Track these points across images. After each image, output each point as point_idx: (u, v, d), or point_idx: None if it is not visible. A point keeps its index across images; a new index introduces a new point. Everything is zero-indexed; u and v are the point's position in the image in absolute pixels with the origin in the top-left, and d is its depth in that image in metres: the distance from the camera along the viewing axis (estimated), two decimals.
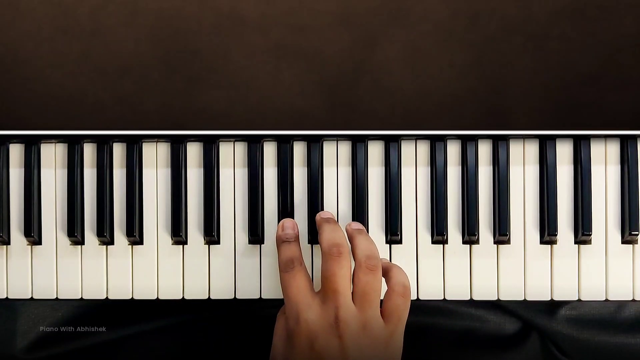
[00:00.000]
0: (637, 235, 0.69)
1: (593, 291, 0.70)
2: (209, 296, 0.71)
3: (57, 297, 0.71)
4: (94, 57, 0.77)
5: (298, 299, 0.62)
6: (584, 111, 0.77)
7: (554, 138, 0.70)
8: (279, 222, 0.70)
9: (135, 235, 0.70)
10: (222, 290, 0.71)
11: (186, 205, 0.71)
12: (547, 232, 0.69)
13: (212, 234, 0.70)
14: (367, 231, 0.70)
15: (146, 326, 0.75)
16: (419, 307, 0.75)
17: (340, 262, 0.62)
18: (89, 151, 0.71)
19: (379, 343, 0.62)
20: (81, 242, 0.71)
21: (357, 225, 0.68)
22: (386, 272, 0.65)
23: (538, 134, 0.71)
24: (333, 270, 0.62)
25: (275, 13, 0.77)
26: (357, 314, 0.62)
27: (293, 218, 0.70)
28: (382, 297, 0.64)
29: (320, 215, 0.68)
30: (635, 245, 0.70)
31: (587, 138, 0.70)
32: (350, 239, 0.66)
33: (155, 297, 0.71)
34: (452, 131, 0.71)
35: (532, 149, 0.71)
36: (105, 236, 0.70)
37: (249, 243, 0.71)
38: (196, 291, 0.71)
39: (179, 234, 0.70)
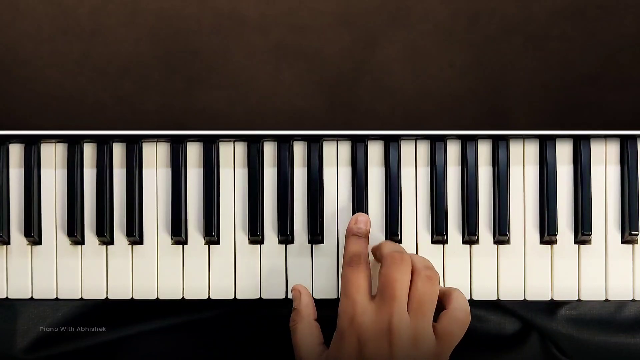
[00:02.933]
0: (637, 235, 0.69)
1: (593, 291, 0.70)
2: (209, 296, 0.71)
3: (57, 297, 0.71)
4: (94, 57, 0.77)
5: (356, 299, 0.61)
6: (584, 111, 0.77)
7: (554, 138, 0.70)
8: (278, 222, 0.70)
9: (135, 235, 0.70)
10: (222, 290, 0.71)
11: (186, 205, 0.71)
12: (547, 232, 0.69)
13: (212, 234, 0.70)
14: None
15: (146, 326, 0.75)
16: None
17: (402, 268, 0.61)
18: (89, 151, 0.71)
19: (426, 358, 0.61)
20: (81, 242, 0.71)
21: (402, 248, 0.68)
22: (448, 294, 0.64)
23: (538, 134, 0.71)
24: (394, 276, 0.61)
25: (275, 13, 0.77)
26: (409, 323, 0.61)
27: (293, 218, 0.70)
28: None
29: (375, 245, 0.68)
30: (635, 245, 0.70)
31: (587, 138, 0.70)
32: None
33: (155, 297, 0.71)
34: (452, 131, 0.71)
35: (532, 149, 0.71)
36: (105, 236, 0.70)
37: (249, 243, 0.71)
38: (196, 291, 0.71)
39: (179, 234, 0.70)
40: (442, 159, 0.70)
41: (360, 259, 0.63)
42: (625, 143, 0.70)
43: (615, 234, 0.70)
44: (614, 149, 0.71)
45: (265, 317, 0.75)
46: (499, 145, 0.70)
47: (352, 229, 0.67)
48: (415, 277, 0.62)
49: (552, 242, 0.70)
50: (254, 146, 0.71)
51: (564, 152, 0.71)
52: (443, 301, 0.64)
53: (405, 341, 0.60)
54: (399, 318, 0.60)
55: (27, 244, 0.71)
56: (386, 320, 0.60)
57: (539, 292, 0.70)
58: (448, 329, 0.62)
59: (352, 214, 0.70)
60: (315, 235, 0.70)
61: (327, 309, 0.74)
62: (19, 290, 0.71)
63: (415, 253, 0.67)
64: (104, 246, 0.71)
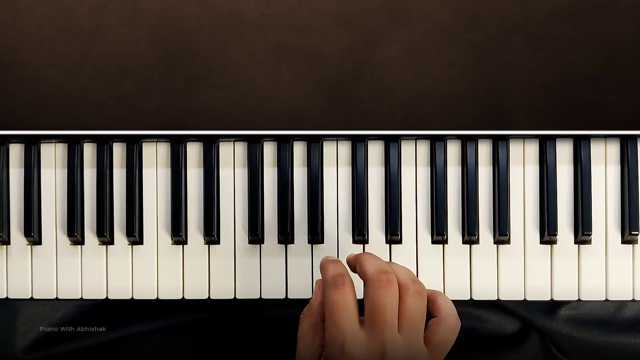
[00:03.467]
0: (637, 235, 0.69)
1: (593, 291, 0.70)
2: (209, 296, 0.71)
3: (57, 297, 0.71)
4: (94, 57, 0.77)
5: (344, 327, 0.57)
6: (584, 111, 0.77)
7: (554, 138, 0.70)
8: (279, 222, 0.70)
9: (135, 235, 0.70)
10: (222, 290, 0.71)
11: (186, 205, 0.71)
12: (547, 232, 0.69)
13: (212, 234, 0.70)
14: (367, 231, 0.70)
15: (146, 326, 0.75)
16: None
17: (390, 292, 0.58)
18: (89, 151, 0.71)
19: None
20: (81, 242, 0.71)
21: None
22: (433, 300, 0.62)
23: (538, 134, 0.71)
24: (384, 301, 0.58)
25: (275, 13, 0.77)
26: (403, 344, 0.58)
27: (293, 218, 0.70)
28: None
29: (351, 256, 0.64)
30: (635, 245, 0.70)
31: (587, 138, 0.70)
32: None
33: (155, 297, 0.71)
34: (452, 131, 0.71)
35: (532, 149, 0.71)
36: (105, 236, 0.70)
37: (249, 243, 0.71)
38: (196, 291, 0.71)
39: (179, 234, 0.70)
40: (442, 159, 0.70)
41: (344, 279, 0.59)
42: (625, 143, 0.70)
43: (615, 234, 0.70)
44: (614, 149, 0.71)
45: (265, 317, 0.75)
46: (499, 145, 0.70)
47: (326, 259, 0.63)
48: (404, 295, 0.59)
49: (552, 242, 0.70)
50: (254, 146, 0.71)
51: (564, 152, 0.71)
52: (430, 308, 0.62)
53: None
54: (392, 344, 0.57)
55: (27, 244, 0.71)
56: (379, 348, 0.57)
57: (539, 292, 0.70)
58: (440, 338, 0.60)
59: (352, 214, 0.70)
60: (315, 235, 0.70)
61: None
62: (19, 290, 0.71)
63: (393, 262, 0.64)
64: (104, 246, 0.71)
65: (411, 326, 0.59)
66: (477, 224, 0.70)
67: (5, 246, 0.71)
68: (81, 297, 0.71)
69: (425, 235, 0.71)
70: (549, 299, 0.70)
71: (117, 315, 0.75)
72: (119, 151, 0.71)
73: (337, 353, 0.57)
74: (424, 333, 0.60)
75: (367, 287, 0.59)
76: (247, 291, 0.71)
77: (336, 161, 0.71)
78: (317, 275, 0.70)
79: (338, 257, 0.70)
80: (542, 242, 0.71)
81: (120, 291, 0.71)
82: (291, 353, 0.71)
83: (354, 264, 0.63)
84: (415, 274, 0.70)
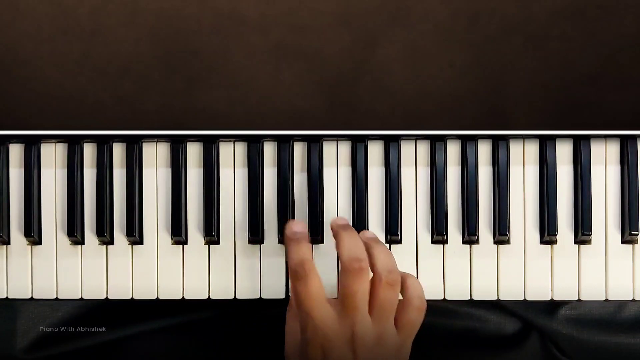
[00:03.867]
0: (637, 235, 0.69)
1: (593, 291, 0.70)
2: (209, 296, 0.71)
3: (57, 297, 0.71)
4: (94, 57, 0.77)
5: (313, 313, 0.60)
6: (584, 111, 0.77)
7: (554, 138, 0.70)
8: (279, 222, 0.70)
9: (135, 235, 0.70)
10: (222, 290, 0.71)
11: (186, 205, 0.71)
12: (547, 232, 0.69)
13: (212, 234, 0.70)
14: None
15: (146, 326, 0.75)
16: None
17: (361, 278, 0.60)
18: (89, 151, 0.71)
19: (390, 353, 0.61)
20: (81, 242, 0.71)
21: (372, 234, 0.65)
22: (403, 281, 0.63)
23: (538, 134, 0.71)
24: (354, 288, 0.59)
25: (275, 13, 0.77)
26: (372, 327, 0.60)
27: (293, 218, 0.70)
28: None
29: (336, 222, 0.65)
30: (635, 245, 0.70)
31: (587, 138, 0.70)
32: (367, 249, 0.62)
33: (155, 297, 0.71)
34: (452, 131, 0.71)
35: (532, 149, 0.71)
36: (105, 236, 0.70)
37: (249, 243, 0.71)
38: (196, 291, 0.71)
39: (179, 234, 0.70)
40: (442, 159, 0.70)
41: (305, 268, 0.60)
42: (625, 143, 0.70)
43: (615, 234, 0.70)
44: (614, 149, 0.71)
45: (265, 317, 0.75)
46: (499, 145, 0.70)
47: (289, 236, 0.62)
48: (377, 284, 0.60)
49: (552, 242, 0.70)
50: (254, 146, 0.71)
51: (564, 152, 0.71)
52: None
53: (369, 345, 0.60)
54: (361, 326, 0.60)
55: (27, 244, 0.71)
56: (349, 329, 0.60)
57: (539, 292, 0.70)
58: (407, 318, 0.62)
59: (352, 214, 0.70)
60: (315, 235, 0.70)
61: None
62: (19, 290, 0.71)
63: (377, 242, 0.64)
64: (104, 246, 0.71)
65: (382, 312, 0.61)
66: (477, 224, 0.70)
67: (5, 246, 0.71)
68: (81, 297, 0.71)
69: (425, 235, 0.71)
70: (549, 299, 0.70)
71: (117, 315, 0.75)
72: (119, 151, 0.71)
73: (311, 334, 0.60)
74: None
75: (341, 271, 0.61)
76: (247, 291, 0.71)
77: (336, 161, 0.71)
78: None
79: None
80: (542, 242, 0.71)
81: (120, 291, 0.71)
82: None
83: (334, 235, 0.64)
84: (415, 274, 0.70)
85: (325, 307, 0.60)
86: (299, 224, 0.63)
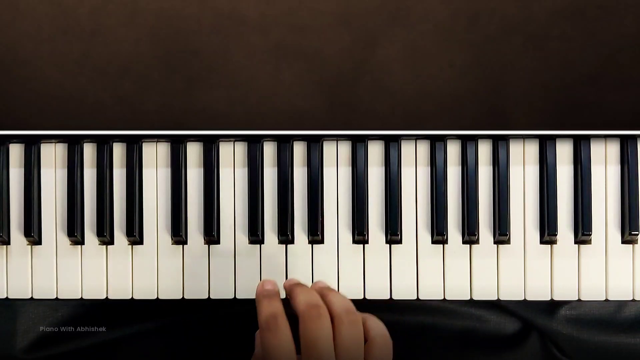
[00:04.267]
0: (637, 235, 0.69)
1: (593, 291, 0.70)
2: (209, 296, 0.71)
3: (57, 297, 0.71)
4: (94, 57, 0.77)
5: None
6: (584, 111, 0.77)
7: (554, 138, 0.70)
8: (278, 222, 0.70)
9: (135, 235, 0.70)
10: (222, 290, 0.71)
11: (186, 205, 0.71)
12: (547, 232, 0.69)
13: (212, 234, 0.70)
14: (367, 231, 0.70)
15: (146, 326, 0.75)
16: (419, 307, 0.75)
17: (321, 324, 0.57)
18: (89, 151, 0.71)
19: None
20: (81, 242, 0.71)
21: (323, 283, 0.64)
22: (363, 323, 0.61)
23: (538, 134, 0.71)
24: (315, 335, 0.57)
25: (275, 13, 0.77)
26: None
27: (293, 218, 0.70)
28: None
29: (288, 282, 0.64)
30: (635, 245, 0.70)
31: (587, 138, 0.70)
32: (323, 297, 0.61)
33: (155, 297, 0.71)
34: (452, 131, 0.71)
35: (532, 149, 0.71)
36: (105, 236, 0.70)
37: (249, 243, 0.71)
38: (196, 291, 0.71)
39: (179, 234, 0.70)
40: (442, 159, 0.70)
41: (277, 320, 0.58)
42: (625, 143, 0.70)
43: (615, 234, 0.70)
44: (614, 149, 0.71)
45: None
46: (499, 145, 0.70)
47: (261, 292, 0.61)
48: (338, 325, 0.58)
49: (552, 242, 0.70)
50: (254, 146, 0.71)
51: (564, 152, 0.71)
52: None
53: None
54: None
55: (27, 244, 0.71)
56: None
57: (539, 292, 0.70)
58: (376, 358, 0.59)
59: (352, 214, 0.70)
60: (315, 235, 0.70)
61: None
62: (19, 290, 0.71)
63: (331, 290, 0.62)
64: (104, 246, 0.71)
65: (348, 355, 0.58)
66: (477, 224, 0.70)
67: (5, 246, 0.71)
68: (81, 297, 0.71)
69: (425, 235, 0.71)
70: (549, 299, 0.70)
71: (117, 315, 0.75)
72: (119, 151, 0.71)
73: None
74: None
75: (300, 323, 0.58)
76: (247, 291, 0.71)
77: (336, 161, 0.71)
78: (317, 275, 0.70)
79: (338, 258, 0.70)
80: (542, 242, 0.71)
81: (120, 291, 0.71)
82: None
83: (288, 294, 0.62)
84: (415, 274, 0.70)
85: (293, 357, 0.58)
86: (270, 283, 0.62)
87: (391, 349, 0.60)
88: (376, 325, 0.61)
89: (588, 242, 0.70)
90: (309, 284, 0.70)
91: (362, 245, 0.71)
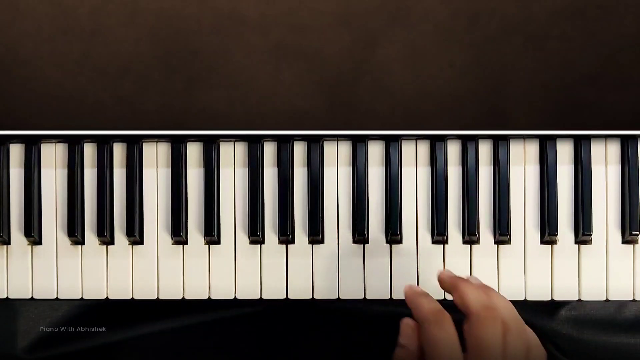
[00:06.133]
0: (637, 235, 0.69)
1: (593, 291, 0.70)
2: (209, 296, 0.71)
3: (57, 297, 0.71)
4: (94, 57, 0.77)
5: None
6: (584, 111, 0.77)
7: (554, 138, 0.70)
8: (278, 222, 0.70)
9: (135, 235, 0.70)
10: (222, 291, 0.71)
11: (186, 205, 0.71)
12: (548, 232, 0.69)
13: (212, 234, 0.70)
14: (368, 231, 0.70)
15: (146, 326, 0.75)
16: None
17: (496, 328, 0.58)
18: (89, 151, 0.71)
19: None
20: (81, 242, 0.71)
21: (478, 281, 0.63)
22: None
23: (538, 134, 0.71)
24: (490, 338, 0.57)
25: (275, 13, 0.77)
26: None
27: (293, 218, 0.70)
28: None
29: (446, 274, 0.63)
30: (636, 245, 0.70)
31: (588, 138, 0.70)
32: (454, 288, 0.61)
33: (155, 297, 0.71)
34: (452, 131, 0.71)
35: (532, 149, 0.71)
36: (106, 236, 0.70)
37: (249, 243, 0.71)
38: (196, 291, 0.71)
39: (179, 234, 0.70)
40: (443, 159, 0.70)
41: (444, 314, 0.59)
42: (626, 143, 0.70)
43: (615, 234, 0.70)
44: (614, 148, 0.71)
45: (266, 317, 0.75)
46: (499, 145, 0.70)
47: (414, 290, 0.62)
48: (508, 333, 0.58)
49: (552, 242, 0.70)
50: (254, 146, 0.71)
51: (564, 152, 0.71)
52: None
53: None
54: None
55: (28, 244, 0.71)
56: None
57: (539, 292, 0.70)
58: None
59: (353, 214, 0.70)
60: (316, 235, 0.70)
61: (327, 309, 0.74)
62: (19, 290, 0.71)
63: (490, 289, 0.61)
64: (104, 246, 0.71)
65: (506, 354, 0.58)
66: (477, 224, 0.70)
67: (5, 246, 0.71)
68: (81, 297, 0.71)
69: (425, 235, 0.71)
70: (549, 299, 0.70)
71: (117, 315, 0.75)
72: (119, 151, 0.71)
73: None
74: None
75: (471, 322, 0.58)
76: (248, 291, 0.71)
77: (336, 161, 0.71)
78: (318, 275, 0.70)
79: (338, 258, 0.70)
80: (542, 242, 0.71)
81: (120, 291, 0.71)
82: (291, 353, 0.71)
83: (449, 287, 0.62)
84: (415, 274, 0.70)
85: (460, 356, 0.58)
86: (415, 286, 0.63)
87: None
88: (533, 336, 0.60)
89: (588, 242, 0.70)
90: (309, 284, 0.70)
91: (362, 245, 0.71)
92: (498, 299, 0.60)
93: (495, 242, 0.71)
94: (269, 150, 0.71)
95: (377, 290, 0.71)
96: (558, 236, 0.70)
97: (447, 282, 0.62)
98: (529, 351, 0.60)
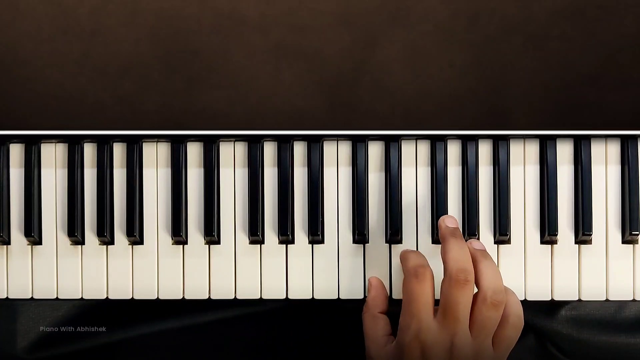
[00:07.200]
0: (637, 235, 0.69)
1: (593, 291, 0.70)
2: (209, 296, 0.71)
3: (57, 297, 0.71)
4: (94, 57, 0.77)
5: (421, 316, 0.62)
6: (584, 111, 0.77)
7: (554, 138, 0.70)
8: (278, 222, 0.70)
9: (135, 235, 0.70)
10: (222, 291, 0.71)
11: (186, 205, 0.71)
12: (548, 232, 0.69)
13: (212, 234, 0.70)
14: (368, 231, 0.70)
15: (146, 326, 0.75)
16: None
17: (465, 291, 0.61)
18: (89, 151, 0.71)
19: None
20: (81, 242, 0.71)
21: (480, 245, 0.66)
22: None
23: (538, 134, 0.71)
24: (457, 299, 0.61)
25: (275, 13, 0.77)
26: (471, 342, 0.62)
27: (293, 218, 0.70)
28: None
29: (445, 223, 0.67)
30: (636, 245, 0.70)
31: (588, 138, 0.70)
32: (474, 263, 0.63)
33: (155, 297, 0.71)
34: (452, 131, 0.71)
35: (532, 149, 0.71)
36: (106, 236, 0.70)
37: (249, 243, 0.71)
38: (196, 291, 0.71)
39: (179, 234, 0.70)
40: (443, 159, 0.70)
41: (426, 271, 0.63)
42: (626, 143, 0.70)
43: (615, 234, 0.70)
44: (614, 148, 0.71)
45: (266, 317, 0.75)
46: (499, 145, 0.70)
47: (409, 250, 0.67)
48: (481, 302, 0.62)
49: (552, 242, 0.70)
50: (254, 146, 0.71)
51: (564, 152, 0.71)
52: None
53: (465, 358, 0.61)
54: (461, 337, 0.61)
55: (28, 244, 0.71)
56: (449, 340, 0.61)
57: (539, 292, 0.70)
58: (505, 335, 0.63)
59: (353, 214, 0.70)
60: (316, 235, 0.70)
61: (327, 310, 0.74)
62: (19, 290, 0.71)
63: (486, 258, 0.64)
64: (104, 246, 0.71)
65: (482, 330, 0.62)
66: (477, 224, 0.70)
67: (5, 246, 0.71)
68: (81, 297, 0.71)
69: (425, 236, 0.71)
70: (549, 299, 0.70)
71: (118, 315, 0.75)
72: (119, 151, 0.71)
73: (410, 339, 0.61)
74: None
75: (445, 280, 0.62)
76: (248, 291, 0.71)
77: (336, 161, 0.71)
78: (317, 275, 0.70)
79: (338, 258, 0.70)
80: (542, 242, 0.71)
81: (120, 291, 0.71)
82: (290, 354, 0.71)
83: (441, 237, 0.65)
84: None
85: (431, 313, 0.62)
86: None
87: (520, 330, 0.64)
88: (514, 303, 0.64)
89: (588, 242, 0.70)
90: (309, 284, 0.70)
91: (362, 245, 0.71)
92: (485, 268, 0.63)
93: (495, 242, 0.71)
94: (269, 150, 0.71)
95: None
96: (558, 236, 0.70)
97: (442, 231, 0.66)
98: (506, 320, 0.63)
